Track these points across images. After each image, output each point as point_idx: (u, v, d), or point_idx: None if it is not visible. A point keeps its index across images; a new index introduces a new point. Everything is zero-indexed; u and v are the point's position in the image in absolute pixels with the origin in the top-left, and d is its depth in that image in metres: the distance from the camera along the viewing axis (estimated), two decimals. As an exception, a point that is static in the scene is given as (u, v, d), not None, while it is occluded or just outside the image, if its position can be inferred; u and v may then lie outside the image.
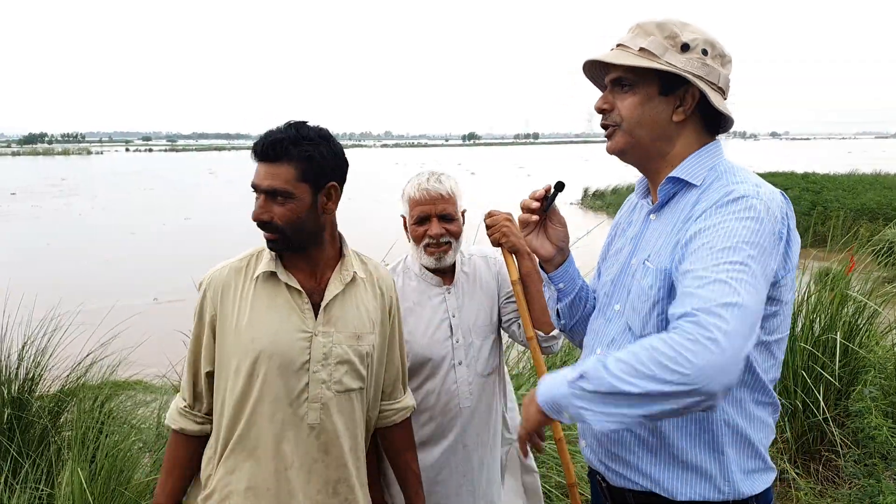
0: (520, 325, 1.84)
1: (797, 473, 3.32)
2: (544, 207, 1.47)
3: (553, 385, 1.16)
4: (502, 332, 1.98)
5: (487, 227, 1.84)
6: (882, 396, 2.90)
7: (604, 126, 1.34)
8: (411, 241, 1.84)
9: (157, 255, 13.80)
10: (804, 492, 3.18)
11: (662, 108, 1.28)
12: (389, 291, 1.63)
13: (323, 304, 1.50)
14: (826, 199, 15.54)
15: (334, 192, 1.49)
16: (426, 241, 1.78)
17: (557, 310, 1.55)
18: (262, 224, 1.44)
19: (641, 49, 1.26)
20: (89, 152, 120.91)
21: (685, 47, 1.25)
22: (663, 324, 1.23)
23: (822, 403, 3.30)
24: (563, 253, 1.51)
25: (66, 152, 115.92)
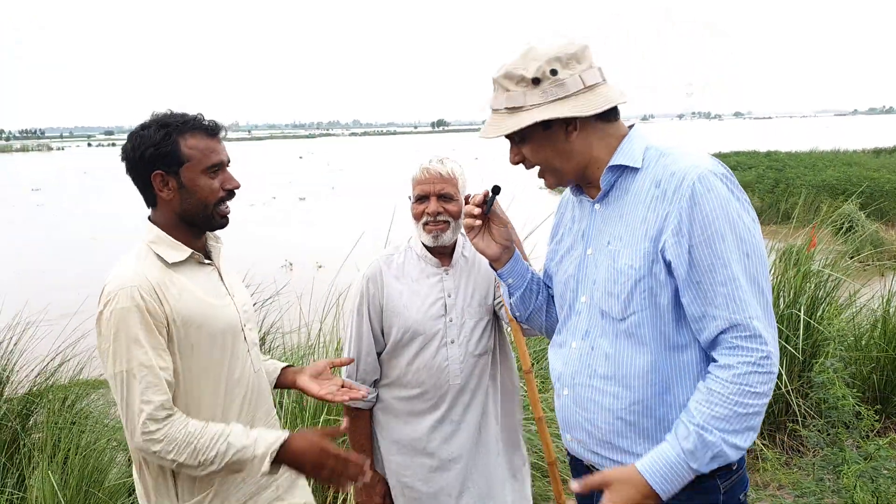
0: None
1: (764, 444, 3.44)
2: (485, 212, 1.51)
3: (672, 477, 1.22)
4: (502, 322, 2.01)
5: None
6: (843, 367, 3.02)
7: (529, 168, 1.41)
8: (414, 220, 1.90)
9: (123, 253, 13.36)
10: (771, 462, 3.30)
11: (557, 137, 1.33)
12: None
13: None
14: (788, 177, 15.91)
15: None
16: (425, 218, 1.84)
17: (511, 303, 1.61)
18: None
19: (507, 108, 1.32)
20: (50, 148, 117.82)
21: (536, 81, 1.29)
22: (647, 301, 1.30)
23: (784, 376, 3.43)
24: (508, 251, 1.55)
25: (24, 149, 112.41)
